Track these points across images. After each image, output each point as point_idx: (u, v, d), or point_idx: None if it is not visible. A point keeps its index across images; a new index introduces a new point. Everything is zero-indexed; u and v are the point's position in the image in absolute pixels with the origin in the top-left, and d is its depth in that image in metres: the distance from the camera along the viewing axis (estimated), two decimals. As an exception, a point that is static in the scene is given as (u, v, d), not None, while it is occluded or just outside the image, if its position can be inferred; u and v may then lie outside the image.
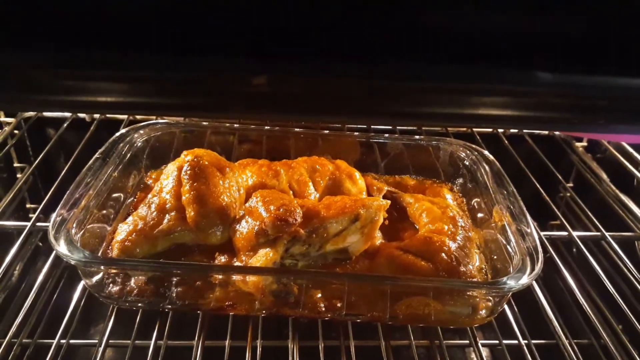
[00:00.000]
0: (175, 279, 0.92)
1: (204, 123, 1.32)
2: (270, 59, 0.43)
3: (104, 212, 1.04)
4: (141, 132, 1.22)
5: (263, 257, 0.91)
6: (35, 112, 1.48)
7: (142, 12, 0.40)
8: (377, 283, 0.93)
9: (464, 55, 0.44)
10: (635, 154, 1.38)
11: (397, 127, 1.49)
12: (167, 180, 1.04)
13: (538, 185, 1.34)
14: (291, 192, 1.12)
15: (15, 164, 1.51)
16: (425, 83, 0.46)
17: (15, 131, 1.46)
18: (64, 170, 1.25)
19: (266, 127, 1.34)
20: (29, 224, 1.12)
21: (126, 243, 0.96)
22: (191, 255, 0.99)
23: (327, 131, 1.36)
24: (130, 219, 1.01)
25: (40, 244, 1.42)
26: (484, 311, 0.92)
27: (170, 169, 1.06)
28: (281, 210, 0.93)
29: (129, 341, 0.97)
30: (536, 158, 1.47)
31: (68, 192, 0.97)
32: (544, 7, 0.41)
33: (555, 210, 1.30)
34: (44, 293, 1.14)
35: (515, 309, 1.10)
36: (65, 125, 1.46)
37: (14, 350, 0.98)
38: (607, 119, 0.50)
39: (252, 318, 0.99)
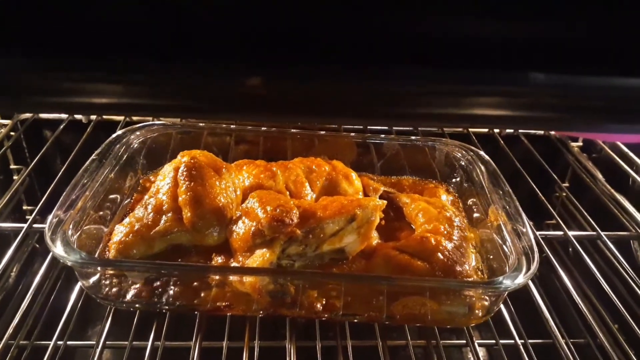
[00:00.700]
0: (172, 280, 0.92)
1: (201, 124, 1.32)
2: (266, 61, 0.43)
3: (101, 213, 1.04)
4: (137, 133, 1.22)
5: (260, 257, 0.91)
6: (31, 114, 1.48)
7: (137, 14, 0.40)
8: (374, 283, 0.94)
9: (459, 56, 0.44)
10: (631, 154, 1.38)
11: (393, 128, 1.50)
12: (163, 182, 1.04)
13: (534, 185, 1.34)
14: (288, 192, 1.12)
15: (12, 166, 1.51)
16: (421, 84, 0.46)
17: (12, 133, 1.45)
18: (61, 172, 1.24)
19: (263, 128, 1.34)
20: (25, 225, 1.11)
21: (123, 244, 0.96)
22: (188, 256, 0.99)
23: (324, 132, 1.36)
24: (126, 220, 1.01)
25: (37, 245, 1.42)
26: (480, 311, 0.93)
27: (167, 170, 1.06)
28: (278, 210, 0.93)
29: (126, 342, 0.98)
30: (532, 158, 1.47)
31: (64, 193, 0.97)
32: (539, 7, 0.42)
33: (551, 209, 1.31)
34: (41, 294, 1.14)
35: (512, 309, 1.10)
36: (61, 126, 1.46)
37: (11, 352, 0.98)
38: (603, 119, 0.50)
39: (249, 319, 0.99)
